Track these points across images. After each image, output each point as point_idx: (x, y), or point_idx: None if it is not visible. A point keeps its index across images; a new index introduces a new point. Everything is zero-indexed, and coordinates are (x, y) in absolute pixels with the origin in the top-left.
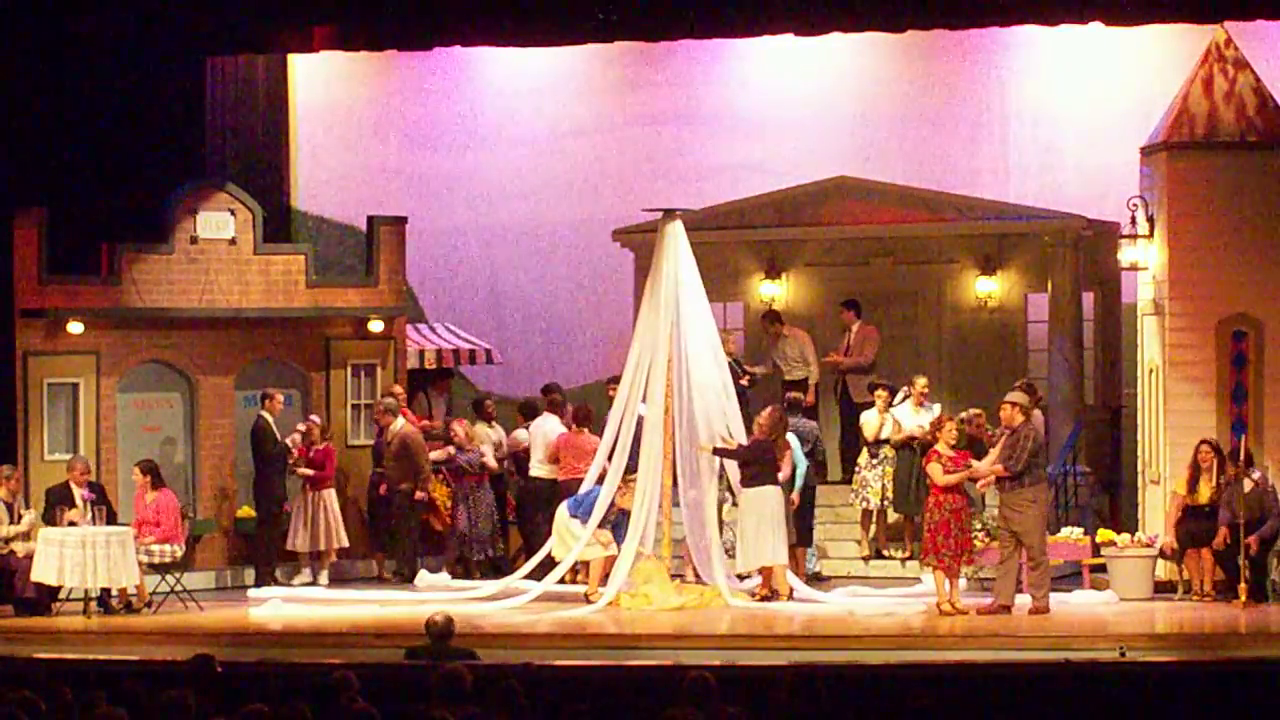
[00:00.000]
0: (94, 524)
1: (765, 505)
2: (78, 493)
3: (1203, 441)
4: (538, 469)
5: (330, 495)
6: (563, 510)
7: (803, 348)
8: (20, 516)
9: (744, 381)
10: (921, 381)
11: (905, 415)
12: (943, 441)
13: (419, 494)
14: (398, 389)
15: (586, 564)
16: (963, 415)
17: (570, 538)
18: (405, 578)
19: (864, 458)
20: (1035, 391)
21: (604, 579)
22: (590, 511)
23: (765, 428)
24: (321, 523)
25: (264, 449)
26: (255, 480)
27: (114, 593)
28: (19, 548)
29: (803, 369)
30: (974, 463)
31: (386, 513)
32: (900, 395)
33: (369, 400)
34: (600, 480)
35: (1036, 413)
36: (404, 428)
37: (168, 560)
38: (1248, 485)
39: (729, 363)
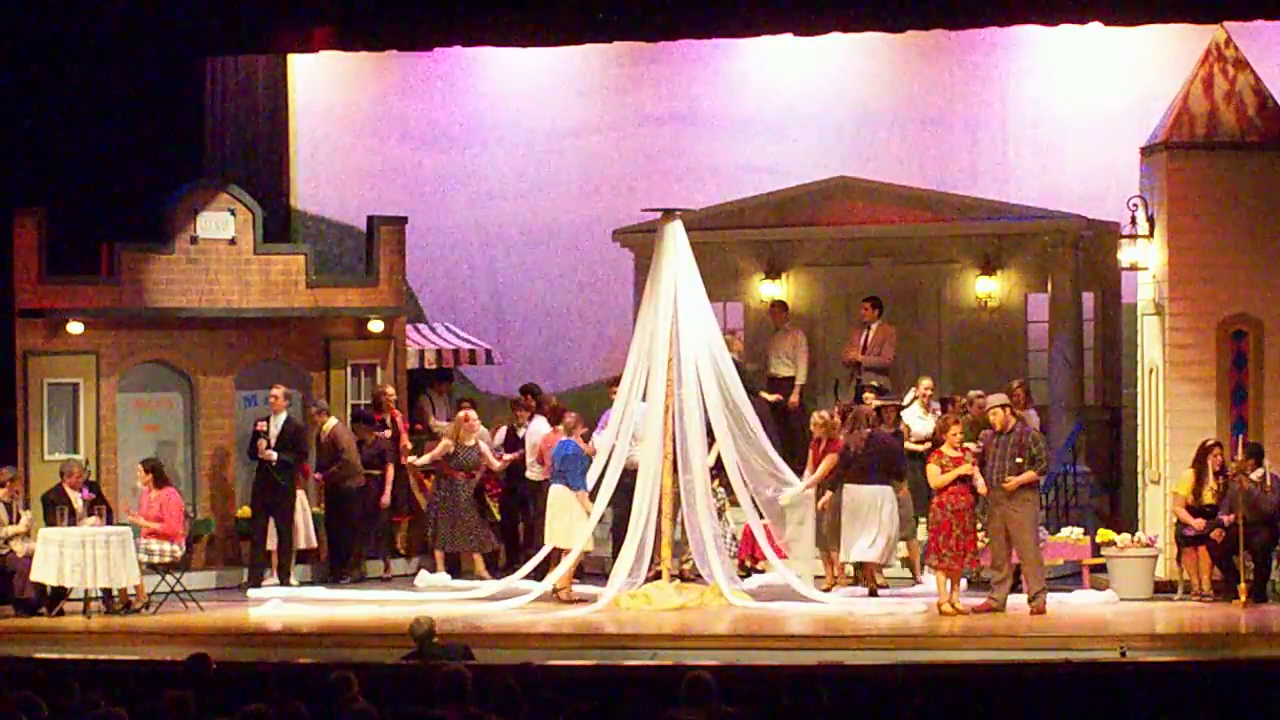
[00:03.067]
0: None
1: (849, 501)
2: (74, 495)
3: (1213, 443)
4: (531, 471)
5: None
6: (558, 492)
7: (795, 346)
8: (19, 516)
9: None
10: (926, 383)
11: (913, 418)
12: (948, 443)
13: (316, 476)
14: (390, 390)
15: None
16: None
17: (569, 511)
18: (348, 577)
19: None
20: (1028, 392)
21: (573, 575)
22: (578, 477)
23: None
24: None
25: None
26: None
27: (114, 593)
28: (18, 547)
29: (789, 368)
30: (1009, 479)
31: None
32: (908, 398)
33: (369, 401)
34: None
35: (1030, 411)
36: (336, 426)
37: (168, 560)
38: (1249, 483)
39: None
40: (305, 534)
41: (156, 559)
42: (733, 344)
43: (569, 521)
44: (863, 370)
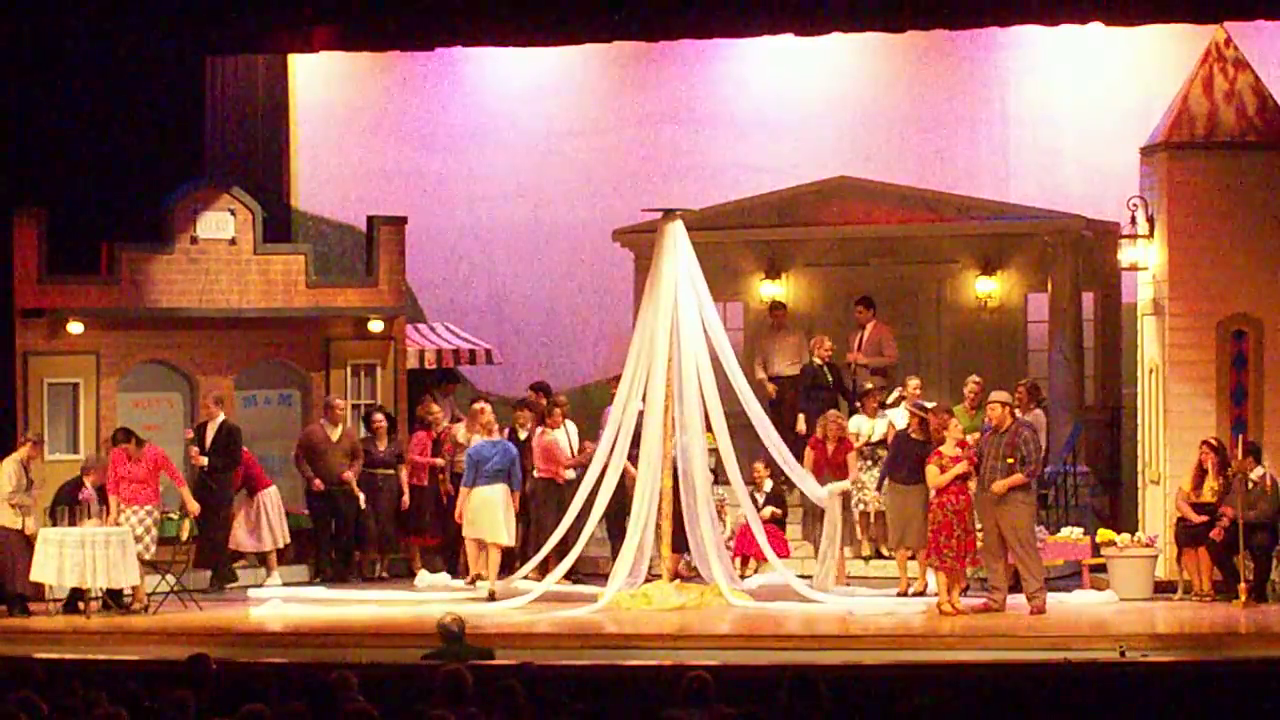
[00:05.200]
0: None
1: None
2: (91, 485)
3: (1204, 441)
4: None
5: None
6: (501, 491)
7: (799, 347)
8: (33, 484)
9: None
10: (914, 383)
11: (900, 418)
12: (949, 442)
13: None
14: (435, 408)
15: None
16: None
17: (501, 510)
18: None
19: (859, 459)
20: (1039, 391)
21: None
22: (518, 478)
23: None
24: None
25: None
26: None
27: (126, 591)
28: (29, 523)
29: (794, 368)
30: (998, 483)
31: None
32: (894, 396)
33: (369, 400)
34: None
35: (1038, 412)
36: (226, 420)
37: (148, 528)
38: (1250, 483)
39: (821, 365)
40: (279, 533)
41: (149, 540)
42: (820, 347)
43: (499, 519)
44: (855, 371)
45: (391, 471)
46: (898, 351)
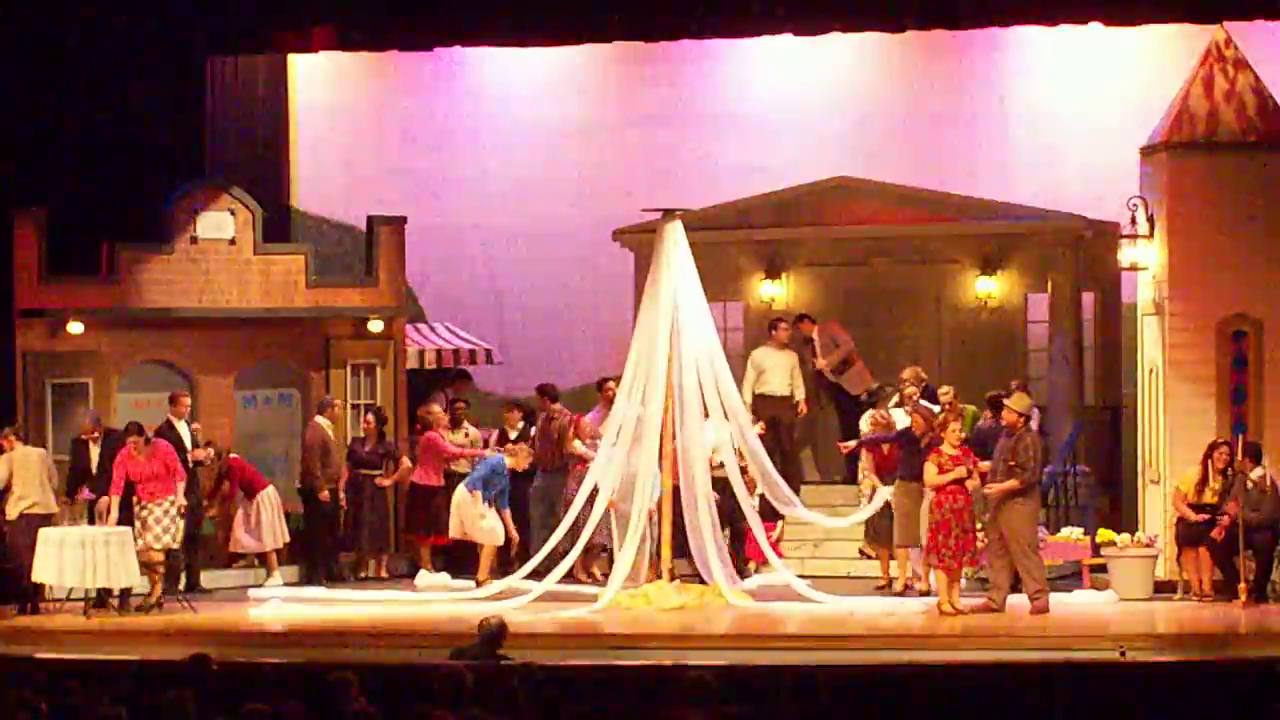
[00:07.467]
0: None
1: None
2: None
3: (1225, 443)
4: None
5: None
6: (461, 489)
7: (794, 366)
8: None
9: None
10: (947, 392)
11: (898, 415)
12: (947, 441)
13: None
14: (436, 409)
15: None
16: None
17: (471, 513)
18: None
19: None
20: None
21: (492, 568)
22: (482, 483)
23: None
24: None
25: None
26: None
27: (132, 591)
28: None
29: (787, 387)
30: (990, 486)
31: None
32: (893, 400)
33: (369, 400)
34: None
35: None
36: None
37: (172, 518)
38: (1249, 483)
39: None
40: (279, 533)
41: (174, 530)
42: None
43: (457, 517)
44: (828, 374)
45: (378, 471)
46: (850, 337)
